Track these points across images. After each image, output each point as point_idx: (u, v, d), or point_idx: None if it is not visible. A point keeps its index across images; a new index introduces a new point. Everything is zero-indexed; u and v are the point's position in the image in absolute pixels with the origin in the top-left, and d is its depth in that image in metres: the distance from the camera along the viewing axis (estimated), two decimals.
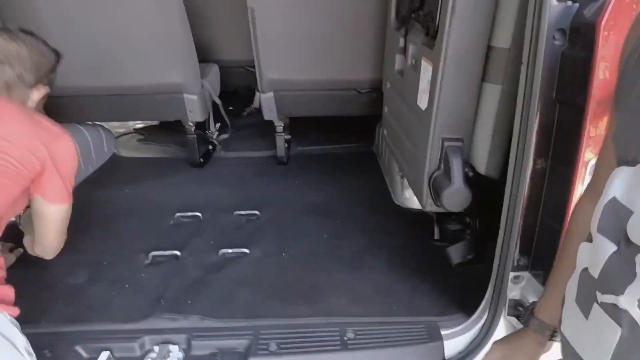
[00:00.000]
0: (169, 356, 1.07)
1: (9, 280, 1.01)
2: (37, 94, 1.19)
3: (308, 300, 1.23)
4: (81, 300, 1.26)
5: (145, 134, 2.57)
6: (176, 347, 1.10)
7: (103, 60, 1.82)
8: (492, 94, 1.09)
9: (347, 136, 2.40)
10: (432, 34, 1.13)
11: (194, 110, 1.98)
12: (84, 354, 1.09)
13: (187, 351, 1.08)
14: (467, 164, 1.18)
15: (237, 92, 3.15)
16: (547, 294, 0.87)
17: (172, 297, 1.26)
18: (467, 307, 1.15)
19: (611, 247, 0.53)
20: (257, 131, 2.52)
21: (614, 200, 0.53)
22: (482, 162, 1.16)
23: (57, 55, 1.24)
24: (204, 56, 2.56)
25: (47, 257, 1.28)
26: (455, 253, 1.33)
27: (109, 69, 1.84)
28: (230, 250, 1.46)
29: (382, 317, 1.17)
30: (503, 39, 1.04)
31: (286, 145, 2.22)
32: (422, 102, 1.20)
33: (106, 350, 1.08)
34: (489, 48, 1.06)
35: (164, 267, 1.40)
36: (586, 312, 0.57)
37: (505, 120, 1.08)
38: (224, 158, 2.28)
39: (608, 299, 0.53)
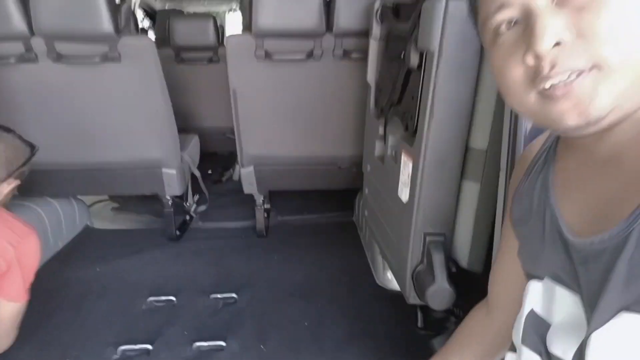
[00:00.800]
0: None
1: None
2: (7, 188, 1.18)
3: None
4: None
5: (120, 201, 2.51)
6: None
7: (80, 135, 1.80)
8: (472, 191, 1.11)
9: (327, 205, 2.39)
10: (411, 131, 1.15)
11: (172, 185, 1.95)
12: None
13: None
14: (450, 258, 1.17)
15: (215, 154, 3.15)
16: None
17: None
18: None
19: (536, 359, 0.56)
20: (235, 199, 2.49)
21: (532, 313, 0.57)
22: (464, 257, 1.15)
23: (32, 148, 1.23)
24: (183, 124, 2.57)
25: None
26: (441, 345, 1.29)
27: (86, 144, 1.81)
28: (205, 344, 1.38)
29: None
30: (480, 141, 1.06)
31: (266, 215, 2.20)
32: (404, 194, 1.21)
33: None
34: (467, 149, 1.08)
35: None
36: None
37: (486, 217, 1.09)
38: (201, 229, 2.23)
39: None
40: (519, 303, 0.66)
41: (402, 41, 1.18)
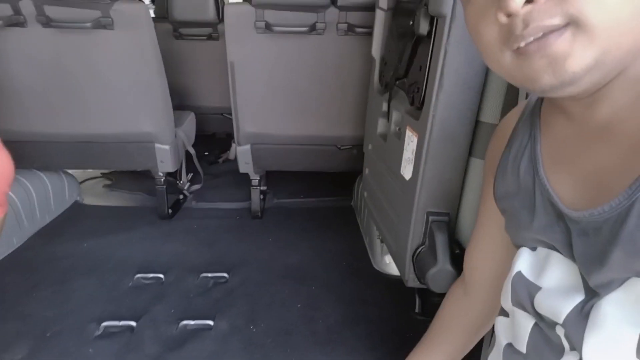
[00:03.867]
0: None
1: None
2: None
3: None
4: None
5: (113, 179, 2.44)
6: None
7: (70, 105, 1.72)
8: (480, 168, 1.04)
9: (325, 189, 2.33)
10: (417, 104, 1.08)
11: (165, 161, 1.89)
12: None
13: None
14: (453, 239, 1.11)
15: (213, 136, 3.09)
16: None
17: None
18: None
19: (530, 320, 0.56)
20: (231, 180, 2.43)
21: (519, 275, 0.57)
22: (469, 239, 1.09)
23: None
24: (180, 102, 2.50)
25: None
26: None
27: (75, 115, 1.74)
28: (192, 322, 1.33)
29: None
30: (491, 115, 1.00)
31: (261, 197, 2.14)
32: (407, 172, 1.14)
33: None
34: (477, 123, 1.02)
35: (117, 341, 1.25)
36: None
37: None
38: (194, 209, 2.16)
39: None
40: (497, 280, 0.65)
41: (411, 10, 1.11)
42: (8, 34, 1.58)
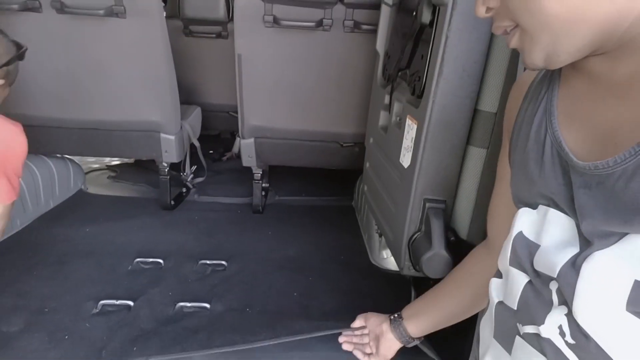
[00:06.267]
0: None
1: None
2: None
3: None
4: (10, 352, 1.11)
5: (118, 171, 2.48)
6: None
7: (79, 92, 1.76)
8: (477, 157, 1.06)
9: (326, 188, 2.35)
10: (418, 93, 1.10)
11: (170, 151, 1.91)
12: None
13: None
14: (450, 227, 1.12)
15: (218, 136, 3.12)
16: (418, 310, 1.00)
17: (116, 348, 1.12)
18: None
19: (524, 278, 0.57)
20: (234, 177, 2.45)
21: (520, 235, 0.58)
22: (464, 227, 1.11)
23: (18, 47, 1.17)
24: (188, 98, 2.54)
25: None
26: None
27: (84, 101, 1.77)
28: (189, 304, 1.34)
29: None
30: (490, 103, 1.02)
31: (263, 193, 2.15)
32: (405, 160, 1.16)
33: None
34: (476, 111, 1.03)
35: (113, 318, 1.26)
36: (508, 347, 0.58)
37: (490, 186, 1.03)
38: (196, 202, 2.18)
39: (530, 329, 0.55)
40: None
41: (414, 4, 1.14)
42: (22, 18, 1.62)
